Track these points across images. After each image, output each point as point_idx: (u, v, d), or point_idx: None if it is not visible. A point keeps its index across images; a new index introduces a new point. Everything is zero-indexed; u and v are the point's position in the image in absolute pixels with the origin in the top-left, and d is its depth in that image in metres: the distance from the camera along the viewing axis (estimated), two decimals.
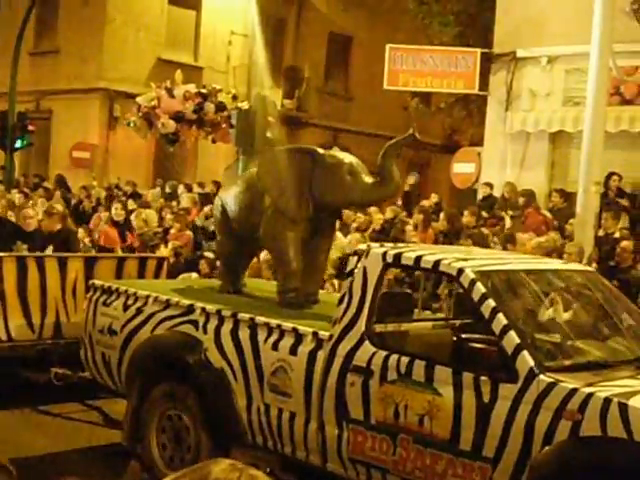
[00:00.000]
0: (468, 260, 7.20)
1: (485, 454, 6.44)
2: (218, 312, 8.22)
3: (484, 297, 6.72)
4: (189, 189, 21.69)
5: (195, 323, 8.33)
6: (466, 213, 15.64)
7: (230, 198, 9.53)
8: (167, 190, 21.93)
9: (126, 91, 27.04)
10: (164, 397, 8.40)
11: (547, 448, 6.15)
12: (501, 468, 6.36)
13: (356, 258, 7.56)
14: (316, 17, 32.10)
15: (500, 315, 6.59)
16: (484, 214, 16.43)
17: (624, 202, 15.59)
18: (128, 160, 26.93)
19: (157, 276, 11.41)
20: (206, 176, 24.33)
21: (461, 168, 20.91)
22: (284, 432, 7.62)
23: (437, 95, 24.45)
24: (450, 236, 13.99)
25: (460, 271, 6.94)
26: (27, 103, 27.24)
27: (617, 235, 13.55)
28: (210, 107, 20.87)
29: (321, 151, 9.01)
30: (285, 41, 32.42)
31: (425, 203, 17.79)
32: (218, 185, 20.84)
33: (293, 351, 7.59)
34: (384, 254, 7.40)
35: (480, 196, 18.70)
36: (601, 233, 14.02)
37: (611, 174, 16.00)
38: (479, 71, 19.84)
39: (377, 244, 7.95)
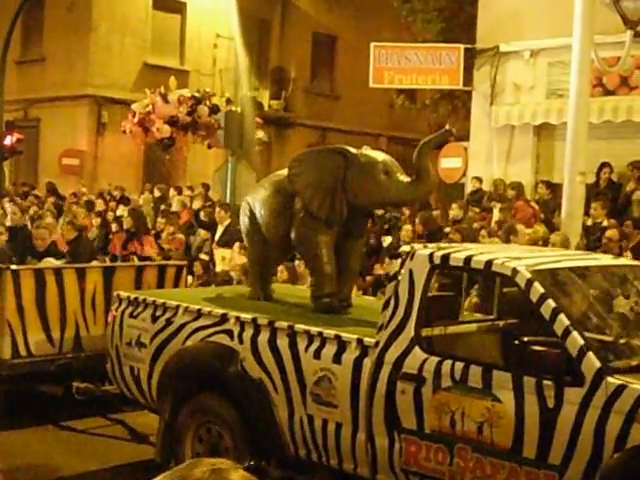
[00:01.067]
0: (521, 259, 6.91)
1: (551, 462, 6.17)
2: (254, 320, 7.87)
3: (543, 297, 6.43)
4: (179, 192, 21.47)
5: (230, 333, 7.96)
6: (454, 206, 15.70)
7: (258, 202, 9.13)
8: (156, 194, 21.65)
9: (113, 97, 27.06)
10: (199, 411, 8.06)
11: (619, 454, 5.89)
12: (568, 476, 6.10)
13: (400, 260, 7.27)
14: (300, 17, 32.01)
15: (562, 316, 6.31)
16: (474, 210, 16.28)
17: None
18: (117, 166, 26.77)
19: (176, 284, 11.09)
20: (196, 179, 24.12)
21: (448, 163, 20.84)
22: (330, 444, 7.32)
23: (422, 92, 24.48)
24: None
25: (515, 271, 6.65)
26: (15, 112, 26.93)
27: (605, 224, 13.50)
28: (204, 110, 20.61)
29: (353, 150, 8.66)
30: (270, 42, 32.28)
31: None
32: (207, 187, 20.71)
33: (337, 359, 7.28)
34: (431, 255, 7.10)
35: (469, 190, 18.63)
36: (589, 222, 13.97)
37: (603, 165, 16.02)
38: (463, 66, 19.75)
39: (421, 245, 7.65)
